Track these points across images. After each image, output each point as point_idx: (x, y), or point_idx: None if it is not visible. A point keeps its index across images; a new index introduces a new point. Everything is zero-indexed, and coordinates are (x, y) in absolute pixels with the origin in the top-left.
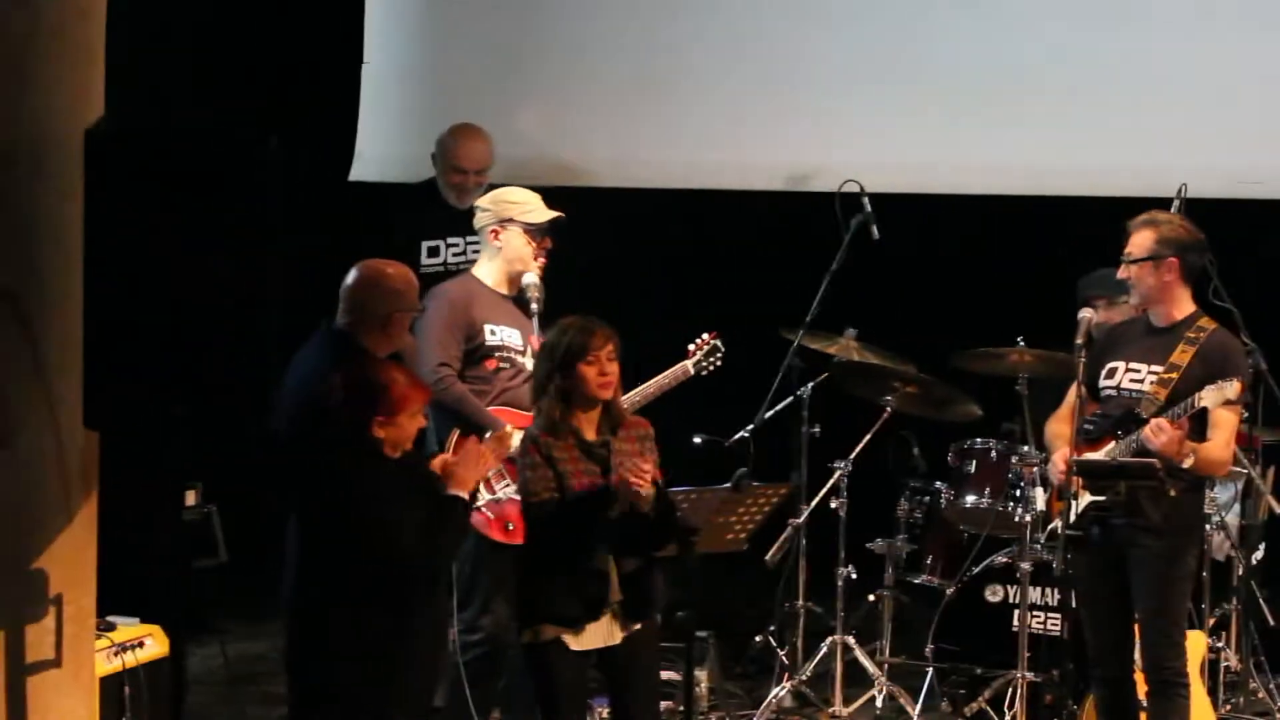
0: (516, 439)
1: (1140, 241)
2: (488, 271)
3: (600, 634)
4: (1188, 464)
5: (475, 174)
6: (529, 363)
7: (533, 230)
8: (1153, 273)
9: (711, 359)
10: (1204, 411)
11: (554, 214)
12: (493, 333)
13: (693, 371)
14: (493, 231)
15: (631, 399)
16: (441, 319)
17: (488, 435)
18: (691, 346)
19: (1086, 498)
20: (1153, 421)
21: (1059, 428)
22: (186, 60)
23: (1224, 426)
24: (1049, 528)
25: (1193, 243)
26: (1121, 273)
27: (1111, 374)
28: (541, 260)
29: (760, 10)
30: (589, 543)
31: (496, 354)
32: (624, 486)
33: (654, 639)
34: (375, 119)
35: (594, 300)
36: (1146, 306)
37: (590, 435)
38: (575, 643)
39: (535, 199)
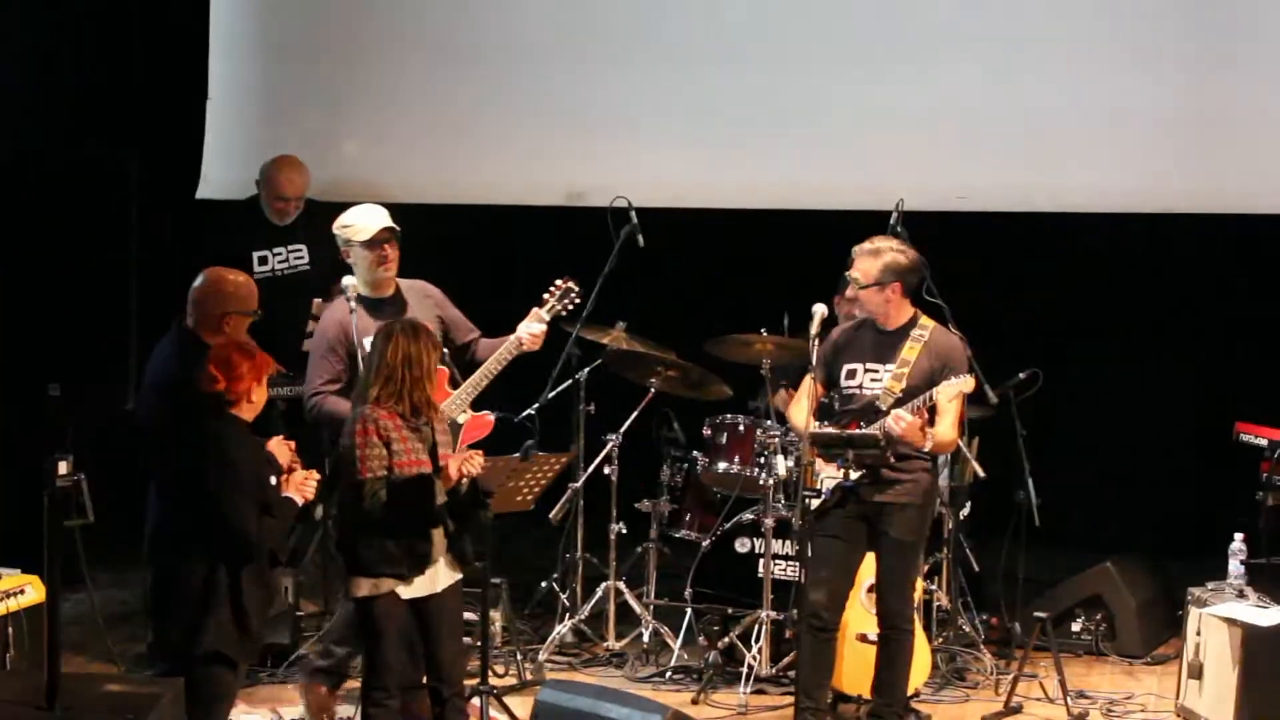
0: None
1: (866, 269)
2: (357, 282)
3: (425, 584)
4: (928, 447)
5: (295, 200)
6: None
7: (367, 244)
8: (878, 295)
9: (566, 301)
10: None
11: (378, 228)
12: (366, 346)
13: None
14: (344, 253)
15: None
16: (318, 347)
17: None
18: (546, 295)
19: (829, 471)
20: (893, 413)
21: (801, 412)
22: (56, 92)
23: (950, 412)
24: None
25: (911, 267)
26: (849, 293)
27: (852, 375)
28: (388, 264)
29: (543, 52)
30: (421, 513)
31: None
32: (451, 473)
33: (460, 587)
34: (218, 145)
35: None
36: (873, 319)
37: (410, 415)
38: (405, 592)
39: (363, 219)
